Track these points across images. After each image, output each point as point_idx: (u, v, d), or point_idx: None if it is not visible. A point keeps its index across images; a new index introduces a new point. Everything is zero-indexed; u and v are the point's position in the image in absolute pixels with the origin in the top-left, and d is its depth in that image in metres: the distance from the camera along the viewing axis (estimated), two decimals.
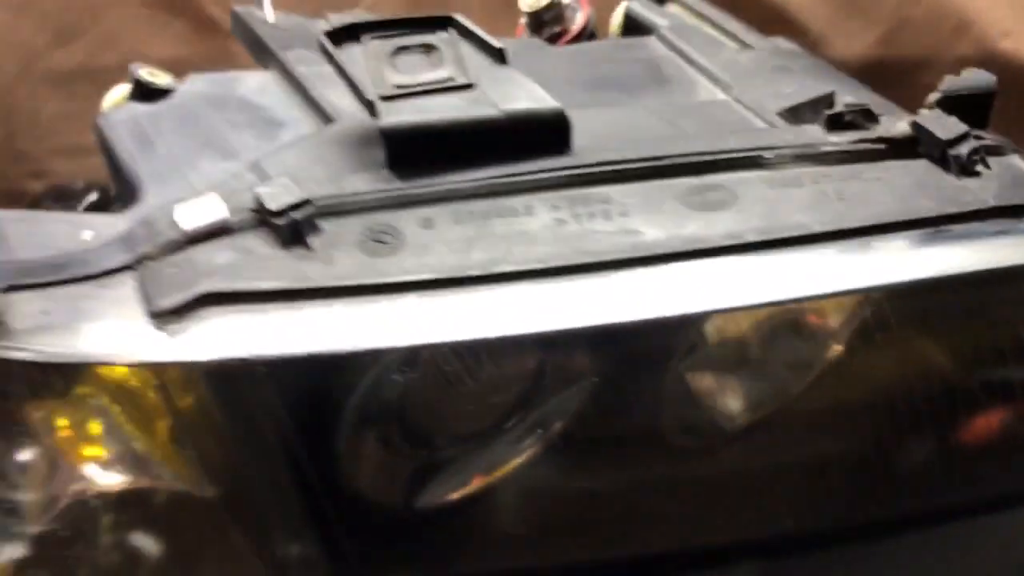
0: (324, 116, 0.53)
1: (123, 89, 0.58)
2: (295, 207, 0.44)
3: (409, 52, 0.49)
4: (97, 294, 0.44)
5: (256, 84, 0.57)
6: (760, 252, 0.45)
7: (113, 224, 0.49)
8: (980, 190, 0.48)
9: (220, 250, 0.44)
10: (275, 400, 0.42)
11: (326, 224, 0.45)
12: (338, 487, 0.45)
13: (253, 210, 0.45)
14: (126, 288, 0.44)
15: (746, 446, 0.49)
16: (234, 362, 0.42)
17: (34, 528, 0.47)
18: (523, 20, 0.70)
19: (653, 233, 0.45)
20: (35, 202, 0.92)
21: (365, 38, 0.49)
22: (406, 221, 0.45)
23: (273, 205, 0.44)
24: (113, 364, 0.42)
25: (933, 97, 0.51)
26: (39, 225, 0.49)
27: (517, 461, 0.48)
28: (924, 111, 0.50)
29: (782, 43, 0.61)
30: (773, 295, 0.44)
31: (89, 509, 0.46)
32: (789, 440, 0.51)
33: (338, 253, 0.44)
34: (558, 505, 0.49)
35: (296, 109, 0.55)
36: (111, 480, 0.46)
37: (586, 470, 0.49)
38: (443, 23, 0.50)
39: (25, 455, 0.46)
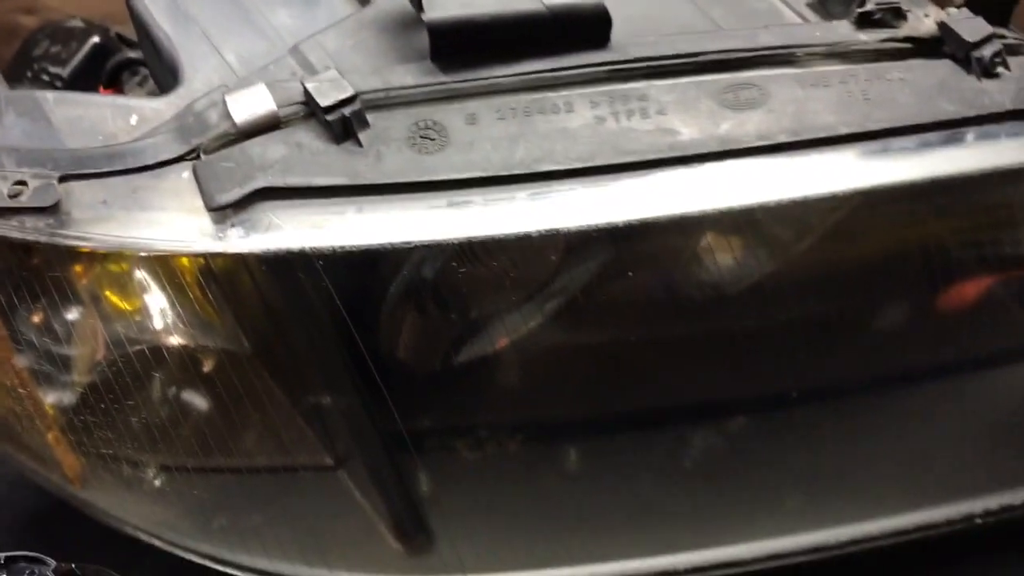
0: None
1: None
2: (345, 102, 0.46)
3: None
4: (154, 185, 0.46)
5: None
6: (789, 153, 0.47)
7: (157, 109, 0.50)
8: (999, 92, 0.50)
9: (272, 144, 0.46)
10: (328, 286, 0.45)
11: (374, 117, 0.47)
12: (380, 353, 0.48)
13: (302, 103, 0.47)
14: (182, 179, 0.46)
15: (744, 309, 0.53)
16: (292, 254, 0.44)
17: (81, 379, 0.51)
18: None
19: (688, 132, 0.47)
20: (30, 38, 0.91)
21: None
22: (451, 116, 0.47)
23: (324, 101, 0.45)
24: (176, 255, 0.44)
25: None
26: (85, 109, 0.49)
27: (536, 324, 0.52)
28: (953, 10, 0.52)
29: None
30: (796, 193, 0.46)
31: (133, 364, 0.49)
32: (785, 303, 0.54)
33: (387, 149, 0.46)
34: (568, 363, 0.53)
35: None
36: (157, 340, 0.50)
37: (597, 333, 0.53)
38: None
39: (74, 317, 0.50)
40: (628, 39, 0.50)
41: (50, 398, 0.51)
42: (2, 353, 0.50)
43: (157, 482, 0.53)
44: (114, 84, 0.81)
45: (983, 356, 0.56)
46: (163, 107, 0.49)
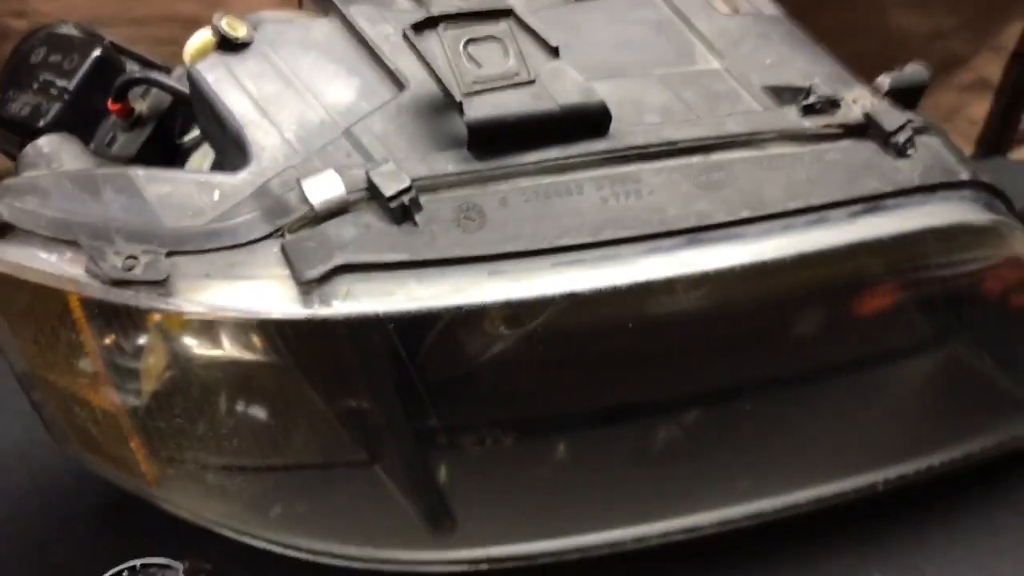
0: (395, 80, 0.63)
1: (203, 36, 0.64)
2: (403, 192, 0.56)
3: (477, 43, 0.59)
4: (248, 260, 0.56)
5: (323, 34, 0.65)
6: (750, 225, 0.60)
7: (235, 185, 0.59)
8: (909, 170, 0.64)
9: (345, 226, 0.56)
10: (396, 342, 0.56)
11: (425, 201, 0.57)
12: (429, 390, 0.60)
13: (365, 189, 0.57)
14: (271, 254, 0.56)
15: (710, 335, 0.66)
16: (367, 317, 0.55)
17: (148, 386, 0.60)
18: None
19: (673, 210, 0.59)
20: (24, 43, 0.95)
21: (440, 28, 0.58)
22: (487, 199, 0.58)
23: (387, 191, 0.56)
24: (269, 320, 0.54)
25: (882, 85, 0.65)
26: (173, 186, 0.58)
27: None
28: (876, 101, 0.65)
29: (765, 6, 0.73)
30: (756, 258, 0.60)
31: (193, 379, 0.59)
32: (744, 328, 0.67)
33: (438, 228, 0.57)
34: (561, 379, 0.65)
35: (364, 65, 0.65)
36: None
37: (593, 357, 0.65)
38: (504, 14, 0.60)
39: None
40: (623, 126, 0.62)
41: (133, 416, 0.61)
42: (99, 385, 0.60)
43: (222, 480, 0.64)
44: (121, 99, 0.87)
45: (881, 359, 0.71)
46: (240, 184, 0.58)
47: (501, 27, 0.60)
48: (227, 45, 0.63)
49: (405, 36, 0.58)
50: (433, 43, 0.59)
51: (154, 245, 0.55)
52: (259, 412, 0.61)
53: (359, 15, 0.65)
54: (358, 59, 0.65)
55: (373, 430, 0.62)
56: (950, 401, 0.74)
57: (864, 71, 1.20)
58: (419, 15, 0.61)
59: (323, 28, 0.66)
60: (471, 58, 0.59)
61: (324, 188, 0.56)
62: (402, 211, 0.56)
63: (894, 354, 0.71)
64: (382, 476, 0.65)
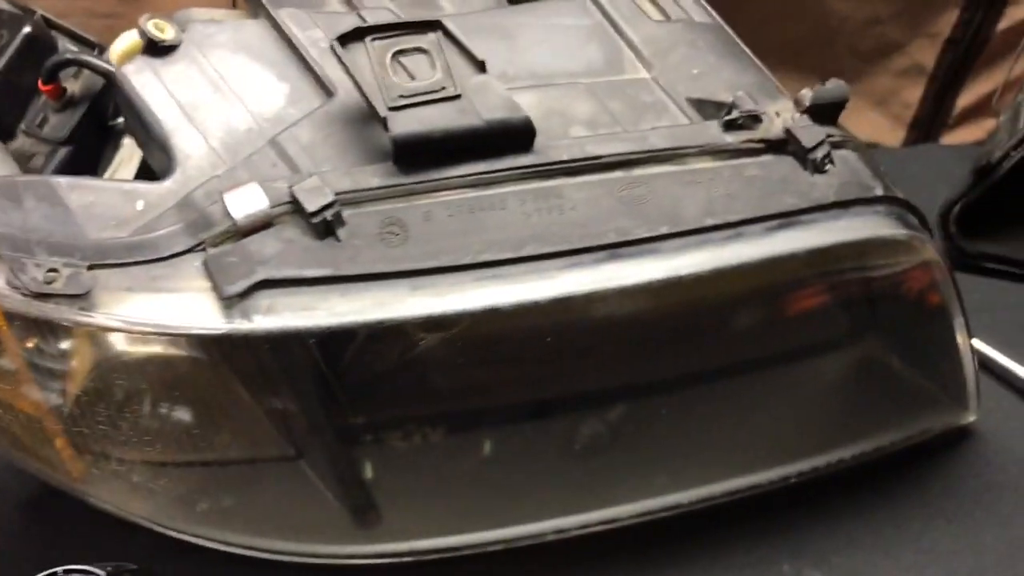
0: (324, 87, 0.63)
1: (130, 38, 0.63)
2: (326, 207, 0.57)
3: (405, 56, 0.59)
4: (170, 274, 0.56)
5: (253, 37, 0.65)
6: (668, 241, 0.62)
7: (160, 195, 0.59)
8: (826, 186, 0.65)
9: (268, 240, 0.57)
10: (317, 357, 0.57)
11: (348, 215, 0.58)
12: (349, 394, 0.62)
13: (289, 202, 0.57)
14: (193, 268, 0.56)
15: (632, 340, 0.68)
16: (288, 332, 0.56)
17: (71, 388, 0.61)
18: None
19: (594, 226, 0.61)
20: None
21: (368, 39, 0.58)
22: (411, 214, 0.59)
23: (309, 207, 0.56)
24: (191, 334, 0.55)
25: (803, 100, 0.66)
26: (96, 194, 0.58)
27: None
28: (796, 115, 0.66)
29: (696, 12, 0.73)
30: (671, 273, 0.61)
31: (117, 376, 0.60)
32: (666, 332, 0.69)
33: (361, 243, 0.58)
34: (485, 378, 0.66)
35: (294, 70, 0.65)
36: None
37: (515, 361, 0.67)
38: (432, 26, 0.60)
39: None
40: (548, 140, 0.63)
41: (58, 418, 0.61)
42: (21, 388, 0.60)
43: (146, 477, 0.65)
44: (52, 80, 0.86)
45: (795, 358, 0.73)
46: (164, 193, 0.59)
47: (429, 39, 0.60)
48: (154, 48, 0.63)
49: (332, 48, 0.58)
50: (360, 55, 0.59)
51: (76, 258, 0.55)
52: (184, 416, 0.62)
53: (289, 19, 0.65)
54: (288, 64, 0.64)
55: (297, 429, 0.64)
56: (862, 397, 0.78)
57: (801, 55, 1.23)
58: (348, 23, 0.61)
59: (253, 30, 0.65)
60: (397, 70, 0.59)
61: (247, 202, 0.56)
62: (325, 226, 0.57)
63: (808, 353, 0.74)
64: (307, 471, 0.66)
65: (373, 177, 0.59)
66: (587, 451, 0.72)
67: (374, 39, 0.59)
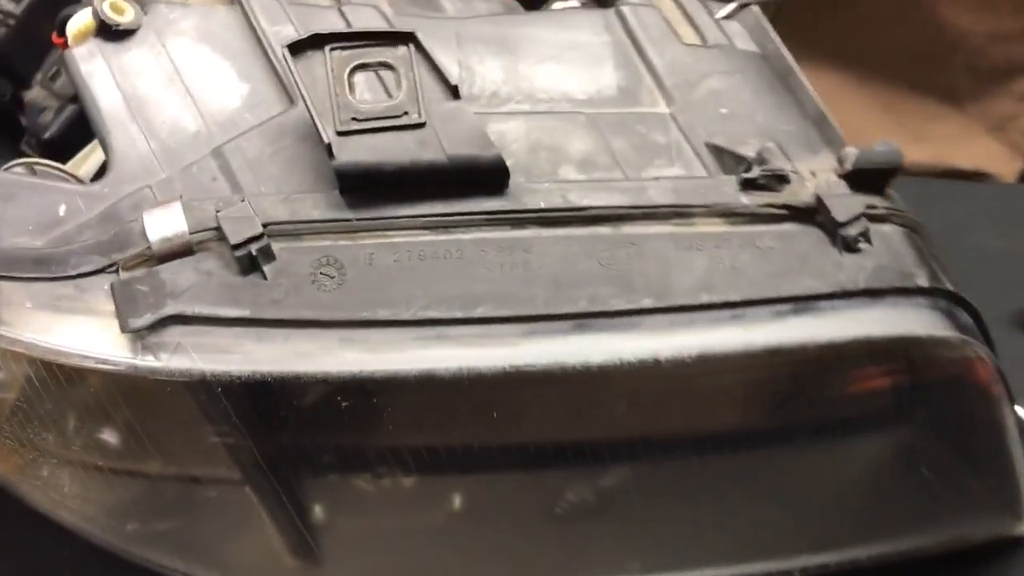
0: (286, 92, 0.56)
1: (85, 17, 0.57)
2: (253, 239, 0.50)
3: (368, 70, 0.51)
4: (75, 295, 0.51)
5: (221, 25, 0.58)
6: (650, 316, 0.52)
7: (86, 199, 0.53)
8: (856, 269, 0.55)
9: (184, 271, 0.50)
10: (225, 406, 0.51)
11: (280, 248, 0.51)
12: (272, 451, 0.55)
13: (215, 228, 0.51)
14: (101, 291, 0.50)
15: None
16: (194, 376, 0.50)
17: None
18: None
19: (563, 292, 0.52)
20: None
21: (327, 48, 0.51)
22: (351, 254, 0.51)
23: (233, 238, 0.50)
24: (85, 367, 0.50)
25: (845, 161, 0.55)
26: (19, 192, 0.53)
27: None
28: (833, 179, 0.55)
29: (738, 34, 0.62)
30: (647, 354, 0.52)
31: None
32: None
33: (288, 283, 0.51)
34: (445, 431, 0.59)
35: (258, 69, 0.57)
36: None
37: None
38: (404, 39, 0.52)
39: None
40: (526, 181, 0.54)
41: None
42: None
43: (76, 485, 0.61)
44: (65, 33, 0.82)
45: (803, 444, 0.63)
46: (91, 198, 0.53)
47: (398, 53, 0.52)
48: (107, 31, 0.56)
49: (283, 56, 0.51)
50: (316, 65, 0.52)
51: None
52: (106, 436, 0.57)
53: (260, 9, 0.57)
54: (253, 61, 0.57)
55: (219, 459, 0.59)
56: (886, 492, 0.67)
57: (910, 67, 1.09)
58: (322, 21, 0.54)
59: (222, 18, 0.58)
60: (357, 87, 0.52)
61: (166, 225, 0.50)
62: (249, 261, 0.50)
63: (816, 441, 0.63)
64: (245, 497, 0.61)
65: (314, 208, 0.51)
66: (568, 516, 0.64)
67: (334, 48, 0.52)
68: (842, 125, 1.11)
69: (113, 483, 0.59)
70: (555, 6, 0.66)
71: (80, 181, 0.65)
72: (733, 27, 0.63)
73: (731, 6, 0.67)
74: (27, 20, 0.84)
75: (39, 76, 0.86)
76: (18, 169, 0.57)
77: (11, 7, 0.84)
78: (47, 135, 0.85)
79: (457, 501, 0.62)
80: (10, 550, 0.68)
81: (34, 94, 0.87)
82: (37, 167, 0.63)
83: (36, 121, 0.85)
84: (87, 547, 0.65)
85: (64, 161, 0.77)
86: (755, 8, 0.69)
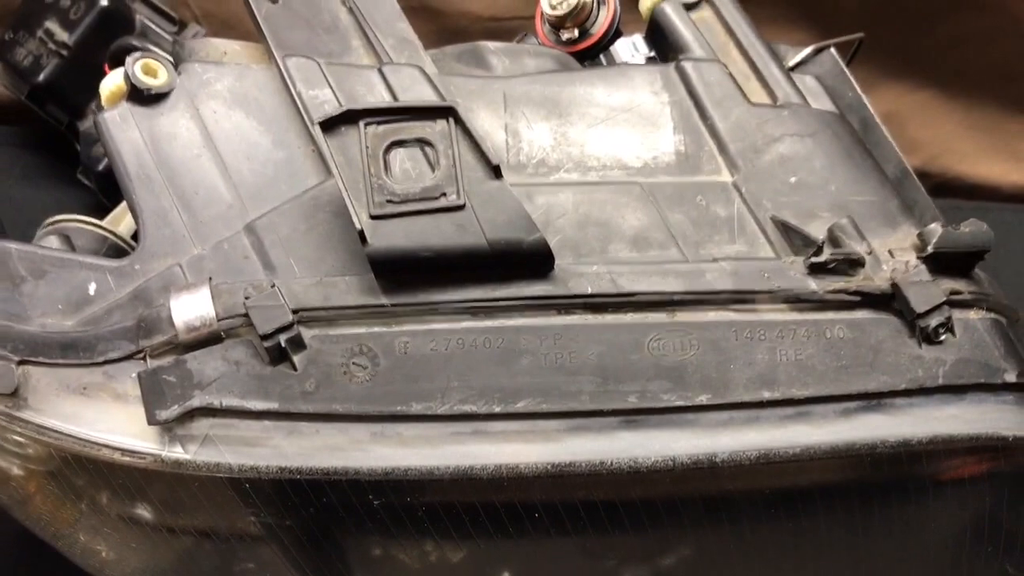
0: (322, 161, 0.53)
1: (118, 78, 0.55)
2: (282, 329, 0.47)
3: (406, 147, 0.48)
4: (102, 383, 0.49)
5: (256, 87, 0.55)
6: (706, 413, 0.49)
7: (116, 278, 0.52)
8: (935, 363, 0.50)
9: (212, 360, 0.48)
10: (255, 500, 0.49)
11: (311, 336, 0.48)
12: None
13: (244, 315, 0.48)
14: (128, 379, 0.49)
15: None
16: (222, 469, 0.48)
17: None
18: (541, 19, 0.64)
19: (611, 386, 0.48)
20: None
21: (362, 124, 0.48)
22: (385, 344, 0.49)
23: (262, 328, 0.47)
24: (114, 458, 0.48)
25: (926, 240, 0.50)
26: (48, 269, 0.51)
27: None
28: (912, 261, 0.50)
29: (813, 90, 0.57)
30: (705, 453, 0.48)
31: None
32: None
33: (319, 374, 0.48)
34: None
35: (295, 135, 0.54)
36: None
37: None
38: (444, 113, 0.48)
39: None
40: (572, 264, 0.50)
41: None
42: None
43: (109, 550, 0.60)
44: (117, 63, 0.80)
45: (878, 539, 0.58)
46: (121, 275, 0.51)
47: (437, 129, 0.49)
48: (139, 96, 0.54)
49: (315, 133, 0.48)
50: (351, 143, 0.49)
51: (7, 349, 0.49)
52: (140, 511, 0.56)
53: (296, 72, 0.54)
54: (288, 126, 0.54)
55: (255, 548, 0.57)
56: None
57: (1012, 84, 1.00)
58: (360, 84, 0.50)
59: (258, 79, 0.55)
60: (394, 165, 0.49)
61: (193, 310, 0.48)
62: (279, 351, 0.48)
63: (890, 530, 0.59)
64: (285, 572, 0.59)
65: (347, 293, 0.49)
66: None
67: (369, 124, 0.48)
68: (933, 145, 1.05)
69: (148, 552, 0.58)
70: (619, 59, 0.62)
71: (119, 238, 0.64)
72: (807, 82, 0.58)
73: (806, 51, 0.62)
74: (81, 50, 0.82)
75: (92, 106, 0.86)
76: (52, 239, 0.56)
77: (64, 37, 0.83)
78: (100, 168, 0.85)
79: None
80: None
81: (88, 124, 0.86)
82: (75, 225, 0.62)
83: (90, 153, 0.84)
84: None
85: (119, 192, 0.77)
86: (832, 51, 0.64)
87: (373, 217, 0.48)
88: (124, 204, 0.66)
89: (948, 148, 1.00)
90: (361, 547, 0.54)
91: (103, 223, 0.62)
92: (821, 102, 0.57)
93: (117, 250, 0.62)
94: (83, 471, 0.52)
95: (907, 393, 0.49)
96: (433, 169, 0.49)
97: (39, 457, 0.53)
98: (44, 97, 0.86)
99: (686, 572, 0.59)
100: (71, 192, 0.89)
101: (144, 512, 0.55)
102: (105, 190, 0.86)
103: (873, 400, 0.49)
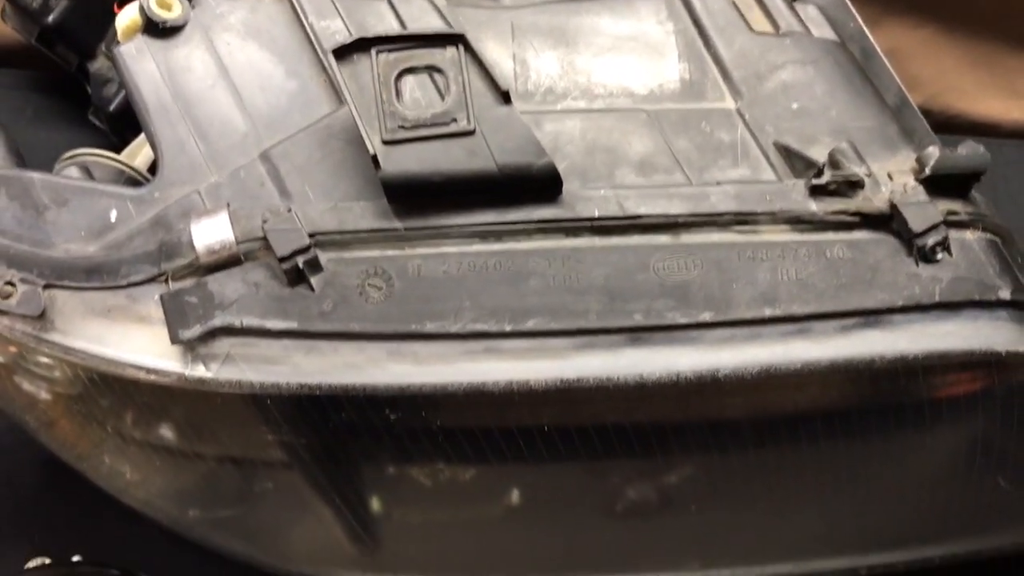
0: (335, 90, 0.54)
1: (133, 12, 0.56)
2: (299, 251, 0.49)
3: (416, 73, 0.49)
4: (126, 305, 0.51)
5: (269, 20, 0.56)
6: (708, 329, 0.50)
7: (137, 204, 0.53)
8: (932, 281, 0.51)
9: (232, 281, 0.50)
10: (276, 416, 0.51)
11: (327, 258, 0.50)
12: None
13: (262, 238, 0.50)
14: (151, 301, 0.51)
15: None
16: (244, 387, 0.50)
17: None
18: None
19: (617, 305, 0.50)
20: None
21: (373, 52, 0.49)
22: (399, 266, 0.50)
23: (280, 250, 0.49)
24: (140, 376, 0.50)
25: (925, 163, 0.51)
26: (70, 197, 0.53)
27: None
28: (911, 184, 0.52)
29: (814, 19, 0.58)
30: (708, 369, 0.50)
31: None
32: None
33: (336, 295, 0.50)
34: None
35: (307, 66, 0.56)
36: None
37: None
38: (453, 40, 0.49)
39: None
40: (580, 188, 0.52)
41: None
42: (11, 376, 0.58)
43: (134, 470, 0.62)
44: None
45: (873, 446, 0.60)
46: (141, 202, 0.53)
47: (448, 56, 0.50)
48: (154, 29, 0.55)
49: (328, 62, 0.49)
50: (363, 70, 0.50)
51: (33, 273, 0.51)
52: (163, 431, 0.58)
53: (308, 3, 0.55)
54: (301, 57, 0.55)
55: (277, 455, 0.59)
56: (958, 494, 0.64)
57: (1005, 20, 1.00)
58: (372, 16, 0.51)
59: (270, 11, 0.56)
60: (405, 92, 0.50)
61: (213, 235, 0.49)
62: (296, 273, 0.49)
63: (888, 442, 0.60)
64: (304, 488, 0.62)
65: (362, 217, 0.50)
66: (627, 513, 0.63)
67: (380, 51, 0.50)
68: (934, 82, 1.06)
69: (171, 473, 0.60)
70: None
71: (136, 172, 0.65)
72: (809, 11, 0.59)
73: None
74: None
75: (102, 47, 0.86)
76: (73, 170, 0.58)
77: None
78: (112, 108, 0.86)
79: (512, 497, 0.61)
80: (82, 528, 0.71)
81: (98, 65, 0.86)
82: (93, 159, 0.63)
83: (101, 93, 0.85)
84: (153, 526, 0.68)
85: (132, 131, 0.78)
86: None
87: (386, 143, 0.49)
88: (139, 140, 0.68)
89: (949, 85, 1.01)
90: (377, 465, 0.56)
91: (120, 157, 0.64)
92: (823, 31, 0.58)
93: (134, 183, 0.63)
94: (108, 392, 0.54)
95: (904, 310, 0.51)
96: (443, 96, 0.50)
97: (66, 380, 0.55)
98: (54, 39, 0.87)
99: (689, 492, 0.61)
100: (83, 134, 0.90)
101: (168, 432, 0.57)
102: (117, 130, 0.87)
103: (871, 317, 0.51)
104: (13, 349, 0.54)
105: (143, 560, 0.67)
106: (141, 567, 0.67)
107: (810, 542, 0.66)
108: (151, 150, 0.63)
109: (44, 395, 0.57)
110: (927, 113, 0.62)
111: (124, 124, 0.86)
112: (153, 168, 0.58)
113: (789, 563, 0.66)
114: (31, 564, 0.63)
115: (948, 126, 1.05)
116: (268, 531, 0.65)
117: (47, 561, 0.62)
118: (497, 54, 0.55)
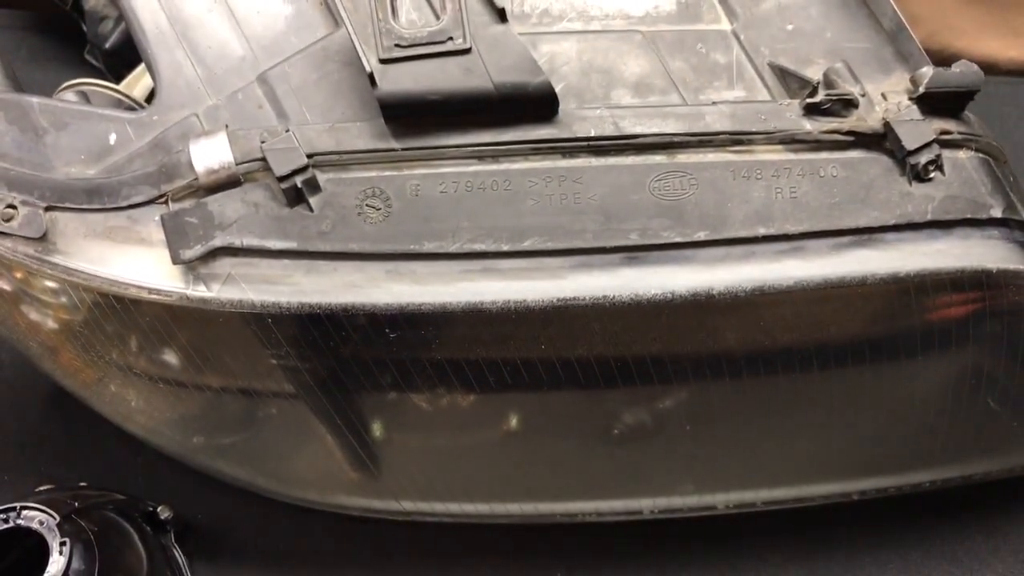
0: (332, 13, 0.54)
1: None
2: (298, 171, 0.49)
3: None
4: (127, 226, 0.51)
5: None
6: (703, 248, 0.51)
7: (135, 127, 0.53)
8: (924, 199, 0.52)
9: (231, 202, 0.50)
10: (276, 335, 0.52)
11: (325, 179, 0.51)
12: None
13: (261, 159, 0.50)
14: (152, 222, 0.51)
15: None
16: (245, 306, 0.50)
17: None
18: None
19: (614, 224, 0.50)
20: None
21: None
22: (397, 186, 0.51)
23: (279, 170, 0.49)
24: (141, 296, 0.51)
25: (918, 83, 0.52)
26: (69, 121, 0.53)
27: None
28: (905, 103, 0.52)
29: None
30: (702, 288, 0.50)
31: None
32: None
33: (335, 215, 0.50)
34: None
35: None
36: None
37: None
38: None
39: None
40: (576, 108, 0.52)
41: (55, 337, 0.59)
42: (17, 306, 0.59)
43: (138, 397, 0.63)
44: None
45: (866, 372, 0.60)
46: (140, 125, 0.53)
47: None
48: None
49: None
50: None
51: (34, 196, 0.51)
52: (167, 356, 0.59)
53: None
54: None
55: (278, 380, 0.60)
56: (950, 418, 0.65)
57: None
58: None
59: None
60: (401, 11, 0.50)
61: (212, 156, 0.50)
62: (295, 192, 0.50)
63: (880, 365, 0.61)
64: (306, 413, 0.63)
65: (359, 138, 0.51)
66: (622, 438, 0.64)
67: None
68: (932, 21, 1.06)
69: (175, 399, 0.61)
70: None
71: (134, 101, 0.65)
72: None
73: None
74: None
75: None
76: (71, 95, 0.58)
77: None
78: (108, 45, 0.85)
79: (510, 421, 0.62)
80: (86, 456, 0.72)
81: (93, 2, 0.86)
82: (91, 88, 0.63)
83: (96, 30, 0.85)
84: (157, 455, 0.69)
85: (127, 68, 0.78)
86: None
87: (382, 61, 0.49)
88: (136, 72, 0.68)
89: (947, 24, 1.00)
90: (378, 388, 0.57)
91: (118, 87, 0.64)
92: None
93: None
94: (112, 315, 0.55)
95: (896, 228, 0.51)
96: (439, 15, 0.50)
97: (69, 304, 0.56)
98: None
99: (684, 417, 0.62)
100: (78, 72, 0.90)
101: (170, 357, 0.58)
102: (113, 68, 0.87)
103: (864, 235, 0.51)
104: (18, 275, 0.55)
105: (146, 487, 0.69)
106: (143, 493, 0.69)
107: (802, 467, 0.67)
108: (149, 78, 0.64)
109: (49, 323, 0.58)
110: (925, 52, 0.62)
111: (120, 61, 0.86)
112: (151, 99, 0.59)
113: (781, 488, 0.68)
114: (39, 489, 0.64)
115: (945, 64, 1.05)
116: (270, 458, 0.66)
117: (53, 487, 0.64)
118: None
